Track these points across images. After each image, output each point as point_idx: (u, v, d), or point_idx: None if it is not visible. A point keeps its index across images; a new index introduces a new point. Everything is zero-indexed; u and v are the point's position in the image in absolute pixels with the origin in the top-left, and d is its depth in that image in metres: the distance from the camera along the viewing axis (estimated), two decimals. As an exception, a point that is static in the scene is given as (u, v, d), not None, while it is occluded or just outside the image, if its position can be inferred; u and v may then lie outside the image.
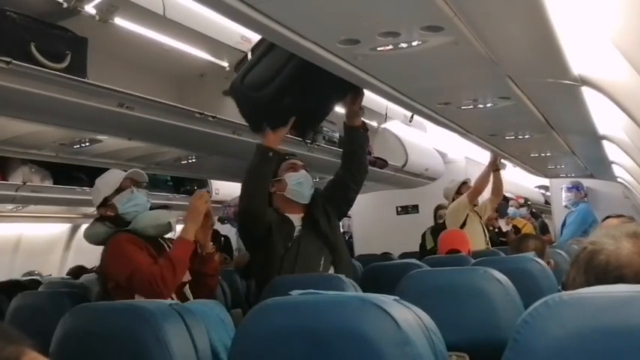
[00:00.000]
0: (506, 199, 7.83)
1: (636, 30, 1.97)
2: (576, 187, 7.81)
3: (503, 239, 7.25)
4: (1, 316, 3.45)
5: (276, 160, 3.45)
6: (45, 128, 3.82)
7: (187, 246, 2.98)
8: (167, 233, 3.16)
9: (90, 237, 3.07)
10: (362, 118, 3.73)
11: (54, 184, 5.51)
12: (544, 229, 9.25)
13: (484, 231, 6.21)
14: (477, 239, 5.80)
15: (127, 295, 2.75)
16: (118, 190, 3.04)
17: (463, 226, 5.92)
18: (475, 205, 6.25)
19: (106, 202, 3.04)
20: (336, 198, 3.70)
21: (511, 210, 8.24)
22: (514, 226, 7.73)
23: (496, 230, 7.45)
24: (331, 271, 3.44)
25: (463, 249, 4.80)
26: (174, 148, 4.45)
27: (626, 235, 1.31)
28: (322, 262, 3.43)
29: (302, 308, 1.56)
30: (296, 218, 3.50)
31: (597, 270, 1.29)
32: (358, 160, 3.75)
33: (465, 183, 6.41)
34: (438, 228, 6.29)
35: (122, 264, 2.86)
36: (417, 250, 6.73)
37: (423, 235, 6.79)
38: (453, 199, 6.29)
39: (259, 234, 3.37)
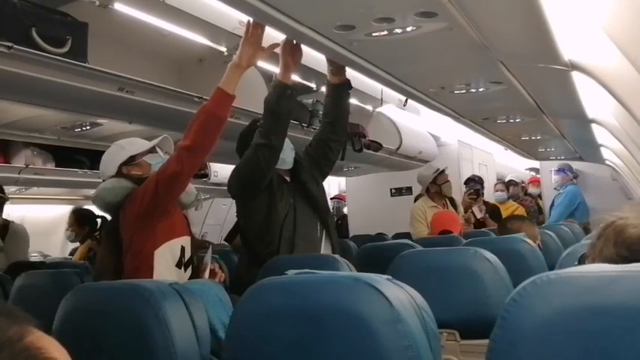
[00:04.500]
0: (481, 182, 7.79)
1: (627, 16, 1.98)
2: (564, 170, 7.82)
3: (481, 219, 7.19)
4: (5, 296, 3.49)
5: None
6: (46, 112, 3.85)
7: (227, 100, 2.69)
8: (191, 207, 2.99)
9: (111, 191, 2.76)
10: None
11: (56, 166, 5.51)
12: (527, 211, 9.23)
13: None
14: None
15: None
16: (151, 152, 2.92)
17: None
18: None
19: (131, 161, 2.87)
20: (319, 158, 3.64)
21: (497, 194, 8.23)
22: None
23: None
24: (324, 235, 3.49)
25: (455, 229, 4.88)
26: (173, 132, 4.48)
27: None
28: (318, 227, 3.47)
29: (297, 288, 1.59)
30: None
31: (629, 242, 1.31)
32: (344, 119, 3.67)
33: (443, 172, 6.08)
34: None
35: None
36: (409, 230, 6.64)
37: None
38: (427, 190, 6.08)
39: (261, 189, 3.30)
